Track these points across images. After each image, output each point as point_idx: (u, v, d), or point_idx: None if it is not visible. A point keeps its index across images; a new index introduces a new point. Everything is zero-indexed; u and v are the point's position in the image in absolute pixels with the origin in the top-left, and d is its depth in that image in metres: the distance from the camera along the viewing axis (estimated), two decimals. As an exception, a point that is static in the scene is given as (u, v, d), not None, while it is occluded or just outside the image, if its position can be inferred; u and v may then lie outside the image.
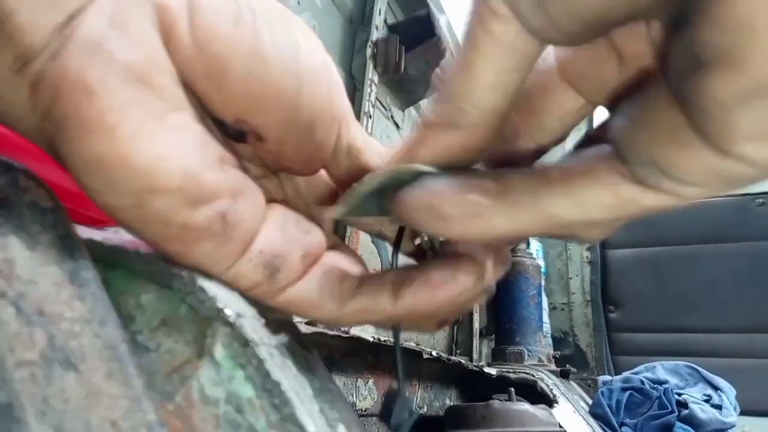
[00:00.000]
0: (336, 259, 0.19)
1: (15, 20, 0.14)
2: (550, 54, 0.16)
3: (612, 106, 0.16)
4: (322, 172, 0.20)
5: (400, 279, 0.18)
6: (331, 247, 0.19)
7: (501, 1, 0.12)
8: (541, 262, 1.62)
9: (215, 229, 0.16)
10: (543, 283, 1.54)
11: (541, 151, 0.17)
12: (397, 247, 0.21)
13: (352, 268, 0.19)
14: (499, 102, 0.14)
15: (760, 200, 1.62)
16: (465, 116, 0.14)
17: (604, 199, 0.13)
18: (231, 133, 0.17)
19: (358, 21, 0.97)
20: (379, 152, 0.19)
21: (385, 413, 0.19)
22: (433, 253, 0.20)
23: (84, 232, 0.18)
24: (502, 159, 0.17)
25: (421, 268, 0.18)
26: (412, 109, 1.18)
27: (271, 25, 0.16)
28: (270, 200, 0.18)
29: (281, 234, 0.17)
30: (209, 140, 0.16)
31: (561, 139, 0.17)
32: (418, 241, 0.21)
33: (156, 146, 0.14)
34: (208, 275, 0.17)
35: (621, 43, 0.15)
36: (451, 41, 1.08)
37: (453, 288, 0.17)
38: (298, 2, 0.80)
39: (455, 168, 0.15)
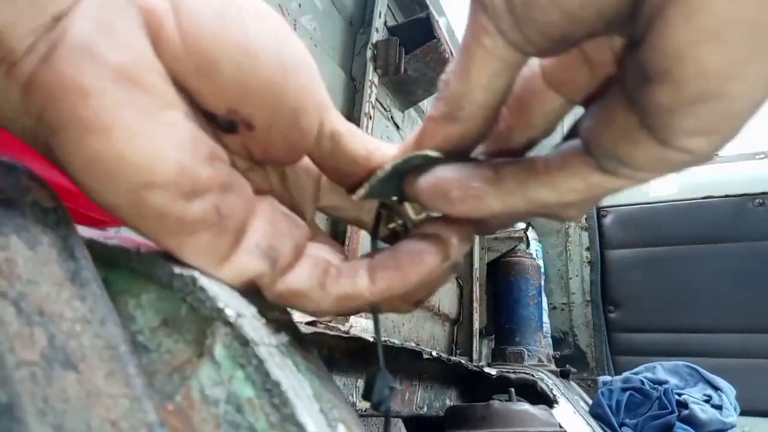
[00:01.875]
0: (320, 250, 0.20)
1: None
2: (536, 63, 0.18)
3: (588, 105, 0.19)
4: (303, 164, 0.22)
5: (373, 265, 0.20)
6: (312, 237, 0.21)
7: (489, 22, 0.15)
8: (541, 263, 1.62)
9: (210, 221, 0.17)
10: (543, 283, 1.54)
11: (532, 143, 0.20)
12: (375, 233, 0.23)
13: (334, 257, 0.21)
14: (490, 99, 0.17)
15: (759, 200, 1.62)
16: (463, 111, 0.17)
17: (577, 185, 0.17)
18: (222, 124, 0.18)
19: (359, 23, 0.98)
20: (358, 136, 0.20)
21: (366, 391, 0.20)
22: (406, 232, 0.22)
23: (85, 232, 0.18)
24: (500, 151, 0.20)
25: (391, 253, 0.20)
26: (411, 110, 1.18)
27: (253, 19, 0.17)
28: (258, 192, 0.19)
29: (272, 228, 0.19)
30: (200, 135, 0.17)
31: (548, 133, 0.20)
32: (392, 225, 0.23)
33: (150, 143, 0.15)
34: (209, 272, 0.17)
35: (591, 54, 0.17)
36: (450, 43, 1.08)
37: (421, 268, 0.19)
38: (299, 5, 0.80)
39: (457, 156, 0.18)
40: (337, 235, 0.82)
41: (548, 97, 0.18)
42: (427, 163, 0.18)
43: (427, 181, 0.18)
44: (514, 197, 0.17)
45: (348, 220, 0.25)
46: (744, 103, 0.13)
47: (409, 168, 0.19)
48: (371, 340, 0.62)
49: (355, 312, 0.20)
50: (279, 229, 0.19)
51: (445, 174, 0.18)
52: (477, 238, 1.44)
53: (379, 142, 0.21)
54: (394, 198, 0.21)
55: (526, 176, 0.17)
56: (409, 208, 0.21)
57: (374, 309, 0.21)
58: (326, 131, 0.20)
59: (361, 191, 0.20)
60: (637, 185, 0.17)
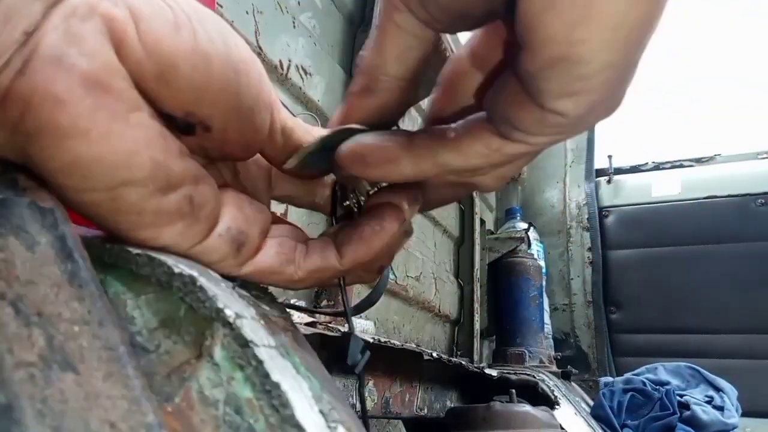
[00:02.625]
0: (284, 231, 0.22)
1: None
2: (466, 47, 0.21)
3: None
4: (253, 158, 0.23)
5: (339, 239, 0.22)
6: (274, 220, 0.23)
7: (399, 0, 0.17)
8: (542, 263, 1.62)
9: (185, 211, 0.18)
10: (544, 284, 1.54)
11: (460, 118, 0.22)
12: (333, 212, 0.25)
13: (299, 236, 0.22)
14: (404, 71, 0.19)
15: (762, 200, 1.62)
16: (379, 83, 0.19)
17: (480, 149, 0.19)
18: (180, 127, 0.18)
19: (358, 21, 0.98)
20: (306, 129, 0.22)
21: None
22: (359, 212, 0.24)
23: (83, 232, 0.18)
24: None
25: (353, 227, 0.22)
26: (412, 109, 1.18)
27: (203, 25, 0.18)
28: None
29: (241, 213, 0.20)
30: (168, 134, 0.18)
31: (475, 108, 0.22)
32: (347, 203, 0.24)
33: (126, 142, 0.16)
34: (175, 252, 0.18)
35: (509, 35, 0.19)
36: (450, 42, 1.08)
37: (383, 235, 0.21)
38: (298, 2, 0.80)
39: (379, 129, 0.21)
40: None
41: (474, 76, 0.21)
42: (352, 136, 0.20)
43: (347, 146, 0.20)
44: (425, 161, 0.19)
45: (303, 206, 0.27)
46: (593, 65, 0.14)
47: (337, 142, 0.21)
48: (371, 341, 0.62)
49: (325, 283, 0.23)
50: (247, 214, 0.20)
51: (362, 140, 0.20)
52: (478, 238, 1.44)
53: (324, 129, 0.22)
54: (326, 170, 0.23)
55: (435, 142, 0.19)
56: (364, 182, 0.23)
57: (341, 279, 0.23)
58: (277, 127, 0.21)
59: (291, 161, 0.22)
60: (532, 151, 0.19)
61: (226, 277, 0.20)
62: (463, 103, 0.21)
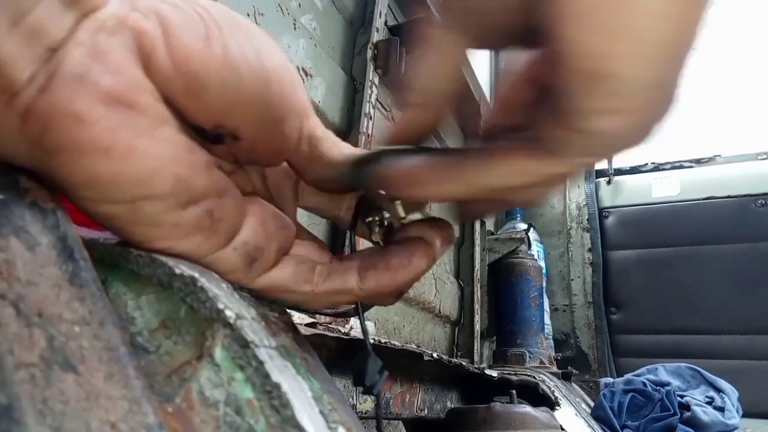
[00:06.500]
0: (306, 249, 0.22)
1: None
2: (523, 65, 0.21)
3: None
4: (282, 165, 0.23)
5: (364, 265, 0.21)
6: (297, 235, 0.22)
7: (448, 21, 0.18)
8: (543, 264, 1.62)
9: (203, 225, 0.18)
10: (544, 284, 1.54)
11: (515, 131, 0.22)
12: (353, 227, 0.24)
13: (321, 255, 0.22)
14: (451, 87, 0.20)
15: (762, 201, 1.62)
16: (431, 99, 0.20)
17: (522, 169, 0.18)
18: (210, 137, 0.18)
19: (359, 23, 0.98)
20: (333, 141, 0.22)
21: (357, 377, 0.21)
22: (380, 227, 0.23)
23: (84, 233, 0.18)
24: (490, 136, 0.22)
25: (381, 255, 0.22)
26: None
27: (235, 36, 0.17)
28: (242, 193, 0.20)
29: (262, 229, 0.20)
30: (195, 147, 0.17)
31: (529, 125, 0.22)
32: (369, 220, 0.24)
33: (148, 159, 0.16)
34: (188, 259, 0.18)
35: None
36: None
37: (410, 271, 0.21)
38: (299, 5, 0.80)
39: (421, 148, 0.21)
40: (337, 235, 0.82)
41: (527, 94, 0.20)
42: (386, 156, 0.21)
43: (374, 168, 0.20)
44: (473, 184, 0.19)
45: (329, 218, 0.26)
46: (630, 81, 0.14)
47: (370, 160, 0.21)
48: (371, 341, 0.62)
49: (341, 304, 0.22)
50: (268, 230, 0.20)
51: (391, 161, 0.20)
52: (478, 239, 1.44)
53: (354, 148, 0.22)
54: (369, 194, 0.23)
55: (481, 162, 0.19)
56: (399, 207, 0.22)
57: (360, 302, 0.23)
58: (305, 136, 0.20)
59: (322, 174, 0.22)
60: (574, 171, 0.18)
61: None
62: (516, 120, 0.21)
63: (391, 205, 0.22)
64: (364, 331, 0.24)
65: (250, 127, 0.18)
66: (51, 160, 0.16)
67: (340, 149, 0.21)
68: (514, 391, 0.91)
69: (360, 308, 0.23)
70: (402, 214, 0.22)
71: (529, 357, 1.31)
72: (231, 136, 0.18)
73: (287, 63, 0.19)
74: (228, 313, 0.16)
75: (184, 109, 0.17)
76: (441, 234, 0.22)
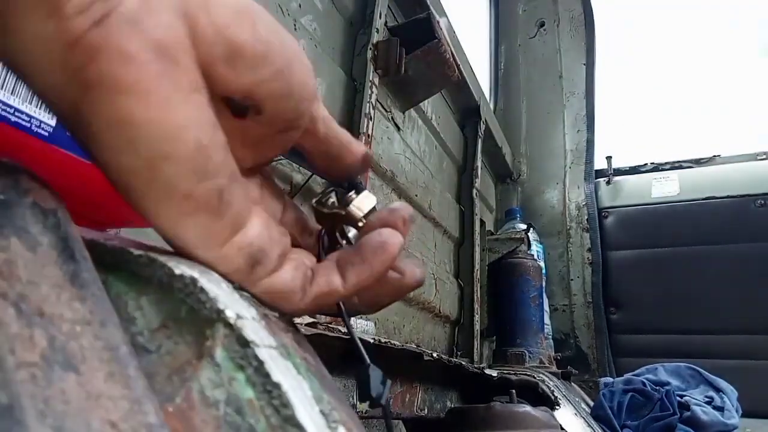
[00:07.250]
0: (299, 255, 0.22)
1: None
2: None
3: None
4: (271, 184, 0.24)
5: (341, 263, 0.22)
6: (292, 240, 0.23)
7: None
8: (542, 264, 1.62)
9: (211, 204, 0.18)
10: (544, 284, 1.54)
11: None
12: (318, 259, 0.25)
13: (308, 260, 0.23)
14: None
15: (761, 201, 1.62)
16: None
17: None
18: (236, 109, 0.19)
19: (359, 23, 0.98)
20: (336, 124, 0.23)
21: (361, 390, 0.21)
22: (346, 240, 0.24)
23: (85, 233, 0.18)
24: None
25: (354, 250, 0.22)
26: (412, 111, 1.18)
27: (261, 15, 0.19)
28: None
29: (267, 231, 0.20)
30: (217, 125, 0.18)
31: None
32: (338, 246, 0.25)
33: (179, 116, 0.16)
34: (194, 253, 0.18)
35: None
36: (450, 43, 1.08)
37: (385, 256, 0.21)
38: (299, 5, 0.80)
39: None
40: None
41: None
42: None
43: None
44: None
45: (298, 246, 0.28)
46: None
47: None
48: (371, 341, 0.62)
49: (328, 311, 0.23)
50: (272, 234, 0.20)
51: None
52: (478, 239, 1.44)
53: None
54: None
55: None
56: (355, 208, 0.24)
57: (341, 309, 0.23)
58: (320, 116, 0.22)
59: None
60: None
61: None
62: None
63: (348, 211, 0.24)
64: (354, 338, 0.24)
65: (273, 102, 0.19)
66: (85, 95, 0.16)
67: (343, 131, 0.23)
68: (513, 391, 0.91)
69: (343, 315, 0.23)
70: (360, 215, 0.24)
71: (529, 357, 1.32)
72: (255, 109, 0.19)
73: (300, 48, 0.20)
74: (228, 313, 0.16)
75: (221, 77, 0.18)
76: (401, 213, 0.23)
